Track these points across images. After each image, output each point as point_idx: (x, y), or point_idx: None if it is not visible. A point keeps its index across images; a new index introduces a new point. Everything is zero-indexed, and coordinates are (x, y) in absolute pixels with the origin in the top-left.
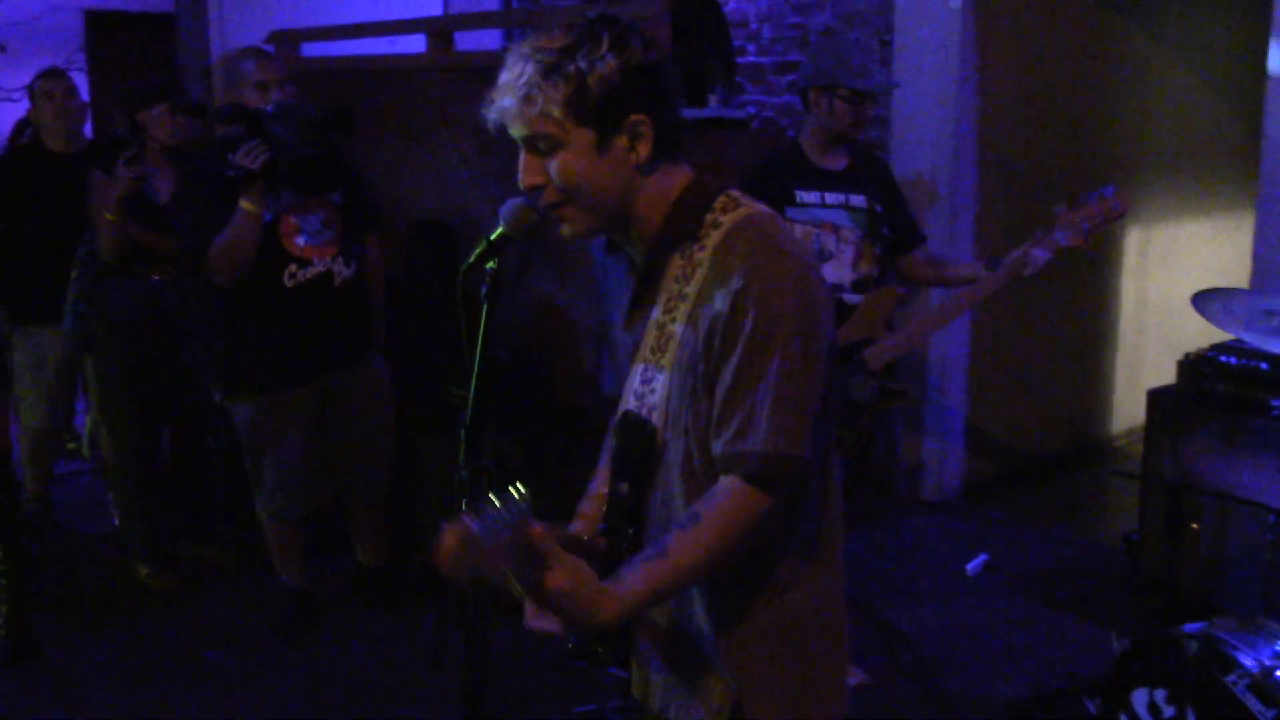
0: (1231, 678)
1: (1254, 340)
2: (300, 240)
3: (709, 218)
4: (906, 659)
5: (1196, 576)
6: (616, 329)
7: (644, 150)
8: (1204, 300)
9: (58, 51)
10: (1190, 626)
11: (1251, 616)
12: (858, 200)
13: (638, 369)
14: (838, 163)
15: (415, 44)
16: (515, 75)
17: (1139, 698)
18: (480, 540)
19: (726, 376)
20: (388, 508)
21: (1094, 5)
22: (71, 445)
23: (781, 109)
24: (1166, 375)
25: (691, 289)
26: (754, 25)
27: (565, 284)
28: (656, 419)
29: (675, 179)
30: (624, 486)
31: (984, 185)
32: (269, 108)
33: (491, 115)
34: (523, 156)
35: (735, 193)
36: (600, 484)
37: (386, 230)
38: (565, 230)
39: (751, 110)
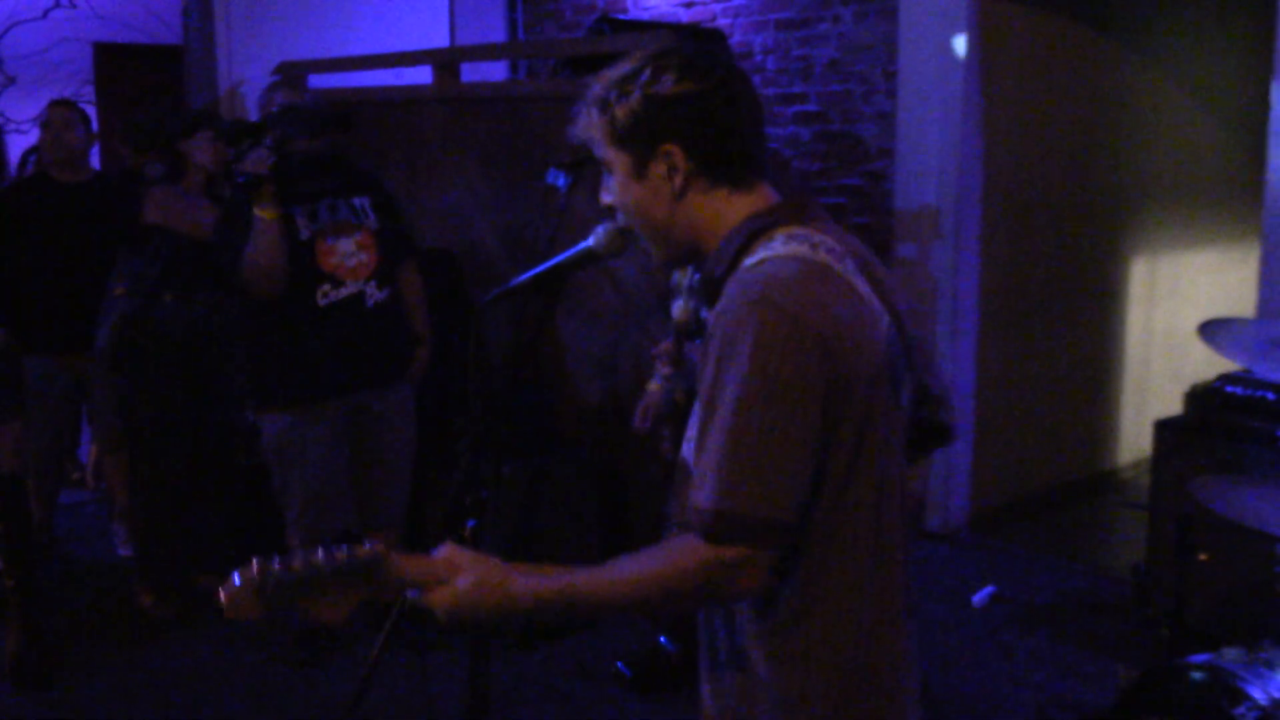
0: (1240, 710)
1: (1260, 370)
2: (334, 261)
3: (744, 258)
4: None
5: (1204, 607)
6: None
7: (678, 180)
8: (1210, 330)
9: (67, 84)
10: (1198, 658)
11: (1260, 647)
12: None
13: (693, 411)
14: None
15: (421, 75)
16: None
17: None
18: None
19: (694, 421)
20: (402, 542)
21: (1098, 37)
22: (76, 476)
23: (786, 140)
24: (1173, 406)
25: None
26: (759, 57)
27: (570, 315)
28: (694, 460)
29: (736, 208)
30: (675, 529)
31: (988, 216)
32: (274, 108)
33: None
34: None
35: (781, 230)
36: None
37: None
38: (654, 257)
39: None
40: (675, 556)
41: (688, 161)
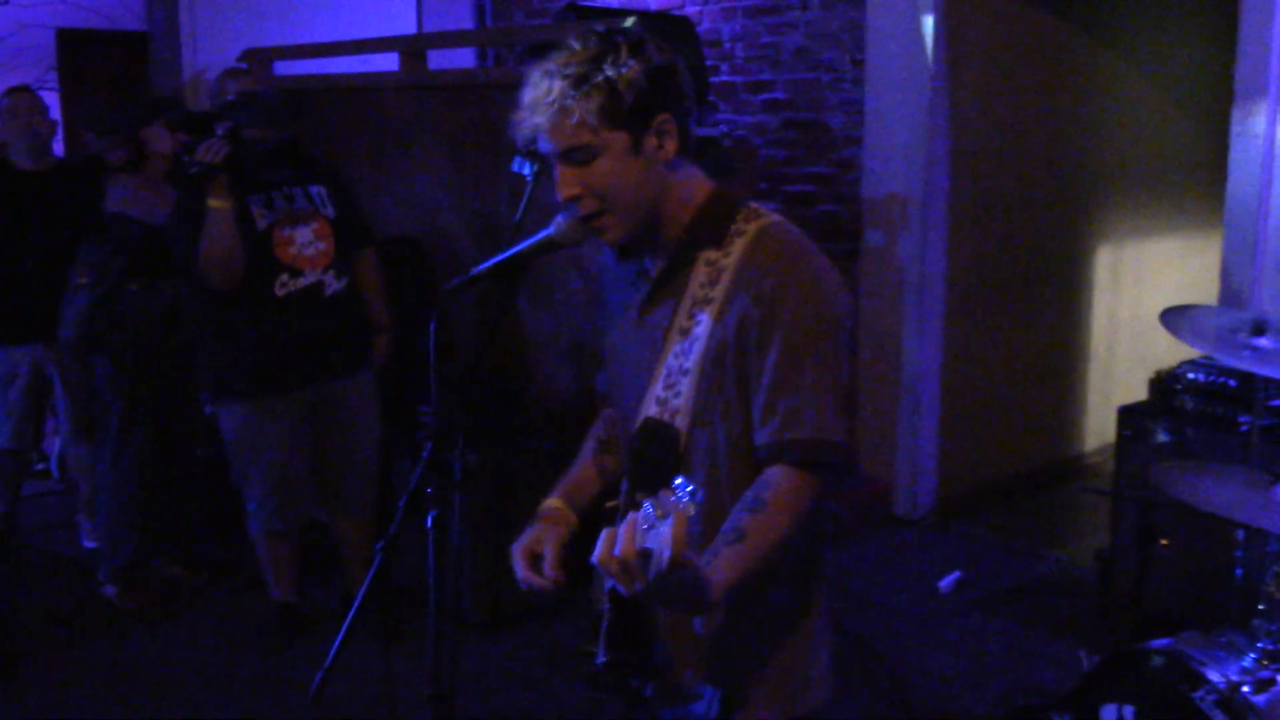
0: (1199, 693)
1: (1222, 357)
2: (292, 250)
3: (733, 227)
4: (879, 675)
5: (1166, 592)
6: (614, 331)
7: (671, 146)
8: (1173, 317)
9: (29, 70)
10: (1158, 642)
11: (1219, 632)
12: None
13: (660, 375)
14: None
15: (388, 62)
16: (544, 93)
17: (1107, 713)
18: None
19: (767, 369)
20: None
21: (1064, 25)
22: (40, 466)
23: (754, 127)
24: (1138, 392)
25: (718, 292)
26: (727, 45)
27: (535, 301)
28: (681, 421)
29: (698, 184)
30: (640, 497)
31: (955, 204)
32: (230, 97)
33: (523, 133)
34: (558, 170)
35: (755, 204)
36: (580, 469)
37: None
38: (606, 237)
39: (724, 129)
40: (793, 497)
41: (676, 129)
